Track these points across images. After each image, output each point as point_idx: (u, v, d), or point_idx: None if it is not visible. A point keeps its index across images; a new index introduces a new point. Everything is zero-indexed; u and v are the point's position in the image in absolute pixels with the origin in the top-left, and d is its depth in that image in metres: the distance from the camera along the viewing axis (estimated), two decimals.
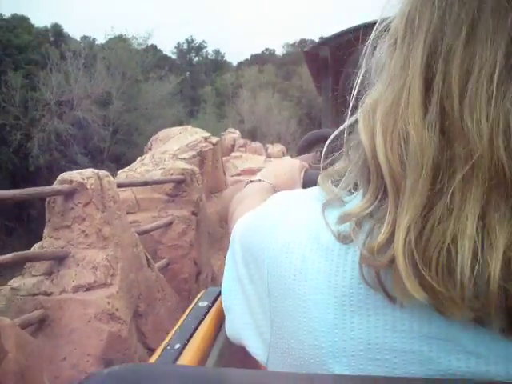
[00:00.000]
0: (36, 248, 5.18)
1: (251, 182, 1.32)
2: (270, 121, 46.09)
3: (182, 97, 50.63)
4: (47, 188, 4.89)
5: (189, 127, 9.75)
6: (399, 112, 0.58)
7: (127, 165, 8.66)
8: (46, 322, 4.69)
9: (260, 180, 1.31)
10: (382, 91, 0.62)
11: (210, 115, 47.02)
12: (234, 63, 75.63)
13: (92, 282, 4.80)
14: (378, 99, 0.62)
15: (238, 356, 1.09)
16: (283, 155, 26.94)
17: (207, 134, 9.45)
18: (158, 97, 39.59)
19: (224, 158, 15.09)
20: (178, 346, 1.16)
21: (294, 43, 72.53)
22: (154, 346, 5.38)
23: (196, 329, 1.26)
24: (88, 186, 4.96)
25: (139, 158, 8.80)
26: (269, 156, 25.81)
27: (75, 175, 5.00)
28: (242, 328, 0.80)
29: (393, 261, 0.56)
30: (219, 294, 1.40)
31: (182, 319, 1.32)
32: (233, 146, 26.90)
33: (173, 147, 8.72)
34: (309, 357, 0.65)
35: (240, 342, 0.81)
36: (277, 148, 28.30)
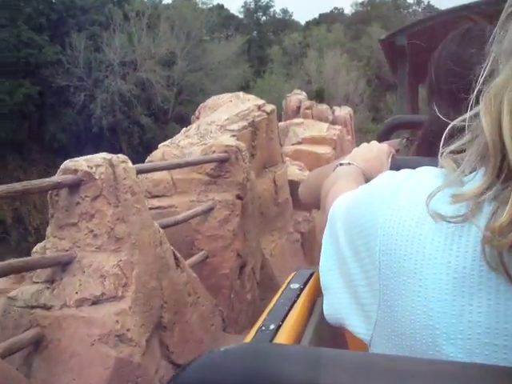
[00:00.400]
0: (38, 249, 4.29)
1: (340, 164, 1.33)
2: (338, 81, 44.63)
3: (248, 57, 49.78)
4: (46, 180, 3.89)
5: (241, 94, 8.64)
6: None
7: None
8: (42, 343, 3.79)
9: (349, 163, 1.31)
10: (510, 75, 0.60)
11: (276, 75, 45.82)
12: (302, 22, 73.73)
13: (99, 295, 3.86)
14: (506, 84, 0.60)
15: (331, 337, 1.27)
16: (350, 118, 25.94)
17: (261, 102, 8.34)
18: (223, 56, 38.62)
19: (285, 123, 13.95)
20: (272, 326, 1.21)
21: (364, 2, 69.99)
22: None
23: (289, 310, 1.30)
24: (97, 176, 3.98)
25: (184, 129, 7.79)
26: (334, 121, 24.81)
27: (81, 163, 4.02)
28: (343, 307, 0.78)
29: None
30: (311, 276, 1.49)
31: (273, 301, 1.36)
32: (298, 107, 26.01)
33: (221, 117, 7.66)
34: (421, 337, 0.63)
35: (339, 321, 0.80)
36: (344, 111, 27.06)
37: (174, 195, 6.07)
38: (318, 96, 37.96)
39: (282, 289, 1.44)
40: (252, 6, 68.58)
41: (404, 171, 0.79)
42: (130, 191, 4.18)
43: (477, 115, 0.66)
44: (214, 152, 6.11)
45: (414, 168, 0.78)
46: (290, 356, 0.58)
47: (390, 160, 1.39)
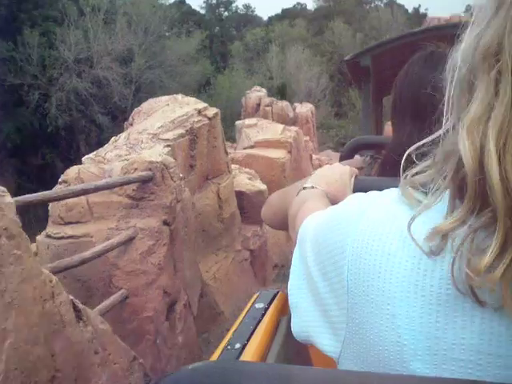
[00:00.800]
0: None
1: (304, 188, 1.33)
2: (300, 77, 43.79)
3: (210, 53, 48.83)
4: None
5: (179, 96, 7.65)
6: None
7: None
8: None
9: (313, 187, 1.32)
10: (488, 106, 0.60)
11: (238, 71, 44.75)
12: (265, 18, 72.90)
13: None
14: (483, 114, 0.60)
15: (296, 355, 1.32)
16: (312, 115, 25.17)
17: (202, 105, 7.37)
18: (183, 53, 37.40)
19: (241, 122, 12.93)
20: (238, 345, 1.25)
21: None
22: None
23: (254, 329, 1.35)
24: None
25: (113, 138, 6.79)
26: (295, 118, 23.95)
27: None
28: (312, 325, 0.79)
29: (502, 277, 0.56)
30: (275, 296, 1.56)
31: (238, 321, 1.41)
32: (258, 105, 25.27)
33: (154, 124, 6.68)
34: (388, 353, 0.65)
35: (308, 339, 0.80)
36: (305, 107, 26.38)
37: (90, 222, 5.07)
38: (280, 92, 37.27)
39: (246, 308, 1.49)
40: (214, 1, 67.39)
41: (371, 193, 0.80)
42: (5, 234, 3.19)
43: (443, 138, 0.67)
44: (135, 170, 5.11)
45: (378, 189, 0.80)
46: (258, 374, 0.58)
47: (352, 181, 1.39)
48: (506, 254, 0.56)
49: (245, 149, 11.26)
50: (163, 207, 5.10)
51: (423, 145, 0.72)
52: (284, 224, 1.36)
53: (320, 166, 16.10)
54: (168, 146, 6.34)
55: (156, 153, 5.78)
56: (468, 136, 0.60)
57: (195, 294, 5.98)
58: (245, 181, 8.59)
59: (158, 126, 6.60)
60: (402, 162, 0.75)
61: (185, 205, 5.60)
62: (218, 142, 7.57)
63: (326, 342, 0.76)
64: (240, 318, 1.43)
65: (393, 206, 0.72)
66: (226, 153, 8.02)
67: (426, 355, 0.61)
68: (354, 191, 1.28)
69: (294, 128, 12.36)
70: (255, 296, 1.59)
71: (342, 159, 2.09)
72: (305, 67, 44.83)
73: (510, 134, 0.57)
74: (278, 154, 10.83)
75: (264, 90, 27.68)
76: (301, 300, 0.83)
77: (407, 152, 0.74)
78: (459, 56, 0.66)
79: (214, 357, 1.20)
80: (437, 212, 0.65)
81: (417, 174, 0.72)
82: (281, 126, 11.89)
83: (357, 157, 2.16)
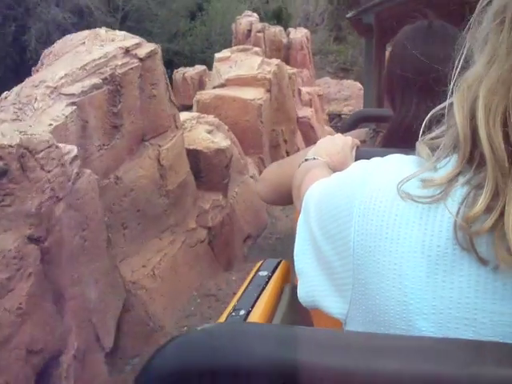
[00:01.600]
0: None
1: (306, 160, 1.32)
2: (297, 0, 41.05)
3: None
4: None
5: (102, 31, 5.53)
6: (507, 93, 0.59)
7: None
8: None
9: (314, 158, 1.31)
10: (484, 68, 0.63)
11: None
12: None
13: None
14: (480, 75, 0.63)
15: (299, 322, 1.29)
16: (307, 40, 23.07)
17: (132, 42, 5.31)
18: None
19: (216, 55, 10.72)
20: (242, 312, 1.27)
21: None
22: None
23: (259, 296, 1.36)
24: None
25: (4, 94, 4.81)
26: (289, 45, 21.85)
27: None
28: (318, 289, 0.79)
29: (491, 229, 0.58)
30: (278, 264, 1.56)
31: (242, 288, 1.41)
32: (249, 31, 23.26)
33: (57, 72, 4.67)
34: (395, 312, 0.65)
35: (315, 303, 0.80)
36: (300, 33, 24.09)
37: None
38: (276, 17, 34.78)
39: (250, 276, 1.48)
40: None
41: (375, 159, 0.80)
42: None
43: (452, 105, 0.68)
44: None
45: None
46: (267, 334, 0.59)
47: (354, 153, 1.38)
48: (496, 206, 0.58)
49: (214, 88, 9.12)
50: (27, 216, 3.16)
51: (439, 111, 0.72)
52: (286, 198, 1.36)
53: (311, 101, 14.11)
54: (73, 103, 4.37)
55: (47, 120, 3.84)
56: (459, 100, 0.65)
57: (112, 316, 4.13)
58: (202, 135, 6.52)
59: (60, 75, 4.58)
60: (422, 128, 0.75)
61: (80, 198, 3.67)
62: (158, 89, 5.55)
63: (332, 304, 0.75)
64: (244, 285, 1.42)
65: (400, 168, 0.72)
66: (173, 102, 5.99)
67: (432, 314, 0.62)
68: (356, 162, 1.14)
69: (275, 61, 9.96)
70: (259, 264, 1.57)
71: (344, 131, 1.95)
72: None
73: (499, 94, 0.60)
74: (254, 93, 8.65)
75: (256, 15, 25.54)
76: (306, 265, 0.82)
77: (427, 117, 0.74)
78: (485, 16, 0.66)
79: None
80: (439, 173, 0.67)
81: (432, 139, 0.73)
82: (258, 59, 9.49)
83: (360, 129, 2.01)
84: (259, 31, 22.89)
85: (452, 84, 0.69)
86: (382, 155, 0.80)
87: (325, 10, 41.41)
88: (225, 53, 10.33)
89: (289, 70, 11.79)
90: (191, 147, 6.30)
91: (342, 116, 22.59)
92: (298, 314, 1.13)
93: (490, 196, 0.59)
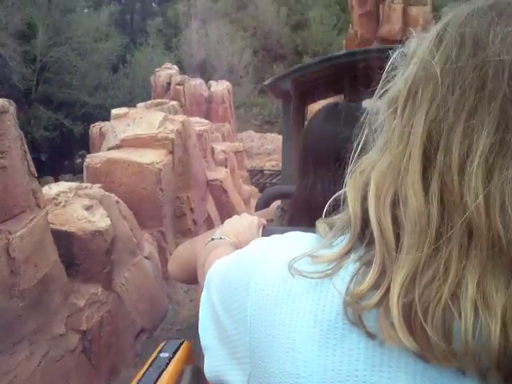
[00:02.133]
0: None
1: (212, 239, 1.34)
2: (222, 53, 40.75)
3: (131, 29, 45.66)
4: None
5: None
6: (397, 177, 0.64)
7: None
8: None
9: (221, 238, 1.34)
10: (378, 154, 0.68)
11: (155, 48, 41.26)
12: None
13: None
14: (374, 161, 0.68)
15: None
16: (228, 93, 22.55)
17: None
18: (92, 29, 33.46)
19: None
20: None
21: None
22: None
23: (157, 379, 1.33)
24: None
25: None
26: (210, 98, 21.20)
27: None
28: (220, 363, 0.80)
29: (377, 305, 0.61)
30: (180, 345, 1.53)
31: (143, 370, 1.38)
32: (169, 84, 22.91)
33: None
34: None
35: (218, 377, 0.81)
36: (221, 85, 23.55)
37: None
38: (200, 69, 34.22)
39: (151, 358, 1.44)
40: None
41: (274, 236, 0.82)
42: None
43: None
44: None
45: None
46: None
47: (260, 232, 1.40)
48: (382, 283, 0.60)
49: (109, 149, 7.78)
50: None
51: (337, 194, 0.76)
52: (192, 277, 1.37)
53: (226, 160, 12.94)
54: None
55: None
56: (352, 184, 0.70)
57: None
58: (78, 213, 5.21)
59: None
60: (326, 207, 0.80)
61: None
62: (9, 158, 4.27)
63: (234, 378, 0.76)
64: (145, 367, 1.38)
65: (295, 245, 0.74)
66: (32, 174, 4.68)
67: None
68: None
69: (179, 117, 8.65)
70: (161, 346, 1.51)
71: (257, 208, 2.08)
72: (226, 42, 41.98)
73: (389, 179, 0.64)
74: (153, 156, 7.39)
75: (176, 68, 24.97)
76: (209, 341, 0.83)
77: (331, 199, 0.80)
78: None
79: None
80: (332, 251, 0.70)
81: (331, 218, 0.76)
82: (160, 116, 8.16)
83: (273, 206, 2.05)
84: (179, 84, 22.31)
85: (349, 168, 0.72)
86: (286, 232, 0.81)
87: (249, 62, 41.38)
88: (122, 109, 8.97)
89: (201, 126, 10.60)
90: (63, 229, 4.99)
91: (265, 172, 21.78)
92: None
93: (377, 273, 0.62)
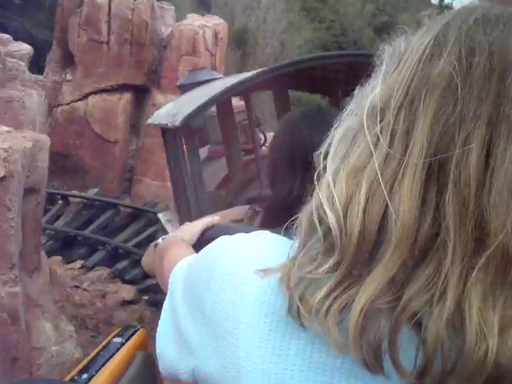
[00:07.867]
0: None
1: (163, 238, 1.29)
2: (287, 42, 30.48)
3: None
4: None
5: None
6: (392, 186, 0.56)
7: None
8: None
9: (163, 238, 1.29)
10: (365, 159, 0.58)
11: None
12: None
13: None
14: (362, 165, 0.58)
15: None
16: None
17: None
18: None
19: None
20: (85, 376, 1.15)
21: None
22: None
23: (105, 362, 1.25)
24: None
25: None
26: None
27: None
28: (175, 359, 0.75)
29: (321, 306, 0.56)
30: (134, 332, 1.42)
31: (94, 353, 1.30)
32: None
33: None
34: (228, 374, 0.64)
35: (176, 376, 0.76)
36: None
37: None
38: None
39: (105, 341, 1.37)
40: None
41: (238, 235, 0.77)
42: None
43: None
44: None
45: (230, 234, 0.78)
46: None
47: (205, 228, 1.34)
48: (332, 295, 0.56)
49: None
50: None
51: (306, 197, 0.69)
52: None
53: None
54: None
55: None
56: (342, 185, 0.60)
57: None
58: None
59: None
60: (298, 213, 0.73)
61: None
62: None
63: (184, 369, 0.72)
64: (96, 351, 1.31)
65: (254, 241, 0.72)
66: None
67: (259, 377, 0.60)
68: (206, 235, 1.25)
69: None
70: (116, 331, 1.42)
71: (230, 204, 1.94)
72: (293, 31, 31.91)
73: (388, 189, 0.56)
74: None
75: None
76: (166, 347, 0.78)
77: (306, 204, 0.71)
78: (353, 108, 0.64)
79: None
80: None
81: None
82: None
83: (238, 208, 1.97)
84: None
85: (316, 173, 0.65)
86: (235, 231, 0.79)
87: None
88: None
89: None
90: None
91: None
92: (146, 380, 1.02)
93: (332, 286, 0.57)
